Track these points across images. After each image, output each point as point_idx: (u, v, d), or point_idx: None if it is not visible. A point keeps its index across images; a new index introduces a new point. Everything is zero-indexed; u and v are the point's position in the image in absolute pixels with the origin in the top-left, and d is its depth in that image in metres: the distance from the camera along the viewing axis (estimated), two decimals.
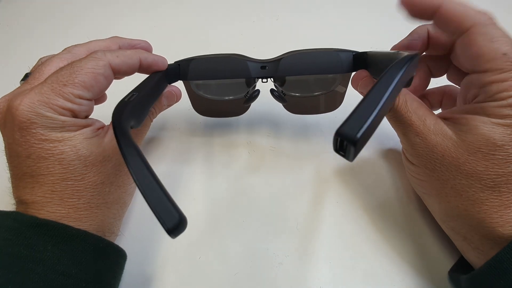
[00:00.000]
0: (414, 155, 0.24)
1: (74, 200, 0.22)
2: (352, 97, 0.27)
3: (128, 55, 0.26)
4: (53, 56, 0.26)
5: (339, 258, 0.27)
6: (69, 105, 0.23)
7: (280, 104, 0.33)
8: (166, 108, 0.32)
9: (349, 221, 0.29)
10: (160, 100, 0.30)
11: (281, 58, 0.29)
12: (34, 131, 0.22)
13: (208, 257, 0.28)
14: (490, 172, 0.21)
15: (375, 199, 0.30)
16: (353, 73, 0.29)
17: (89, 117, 0.26)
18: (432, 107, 0.31)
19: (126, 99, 0.23)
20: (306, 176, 0.32)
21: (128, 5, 0.53)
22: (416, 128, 0.23)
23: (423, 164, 0.24)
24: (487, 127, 0.21)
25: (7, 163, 0.24)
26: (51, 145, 0.22)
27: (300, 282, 0.26)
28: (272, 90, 0.32)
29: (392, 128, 0.26)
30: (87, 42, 0.28)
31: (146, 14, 0.52)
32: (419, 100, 0.25)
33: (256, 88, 0.32)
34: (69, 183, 0.22)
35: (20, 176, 0.23)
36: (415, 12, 0.24)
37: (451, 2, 0.22)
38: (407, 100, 0.24)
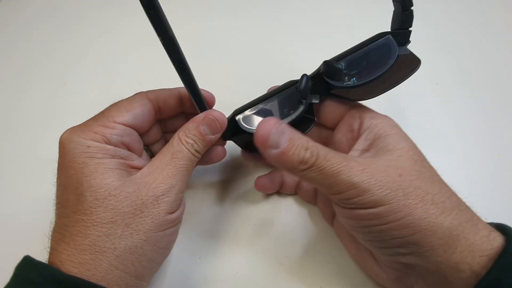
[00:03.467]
0: (377, 193, 0.20)
1: (80, 238, 0.20)
2: None
3: (167, 89, 0.26)
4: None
5: (339, 258, 0.27)
6: (101, 128, 0.23)
7: None
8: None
9: None
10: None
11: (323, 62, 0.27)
12: (66, 157, 0.22)
13: (208, 257, 0.28)
14: (435, 173, 0.22)
15: None
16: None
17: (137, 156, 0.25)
18: None
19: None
20: None
21: (128, 5, 0.53)
22: (357, 167, 0.21)
23: (393, 196, 0.20)
24: (402, 140, 0.23)
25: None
26: (72, 172, 0.21)
27: (300, 282, 0.26)
28: (325, 70, 0.27)
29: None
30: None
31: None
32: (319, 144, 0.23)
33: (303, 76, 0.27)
34: (79, 217, 0.20)
35: (55, 206, 0.22)
36: None
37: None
38: (319, 151, 0.21)
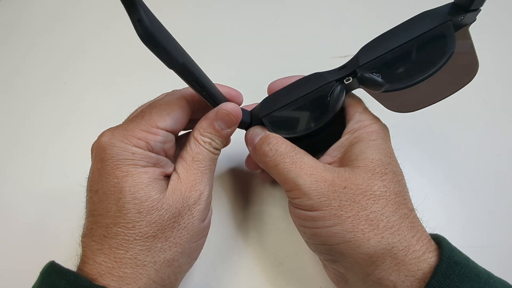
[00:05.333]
0: (313, 198, 0.21)
1: (122, 252, 0.20)
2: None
3: None
4: None
5: None
6: (144, 134, 0.21)
7: None
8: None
9: None
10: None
11: (358, 52, 0.23)
12: (107, 163, 0.21)
13: (208, 257, 0.28)
14: (391, 190, 0.21)
15: None
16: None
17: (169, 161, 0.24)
18: None
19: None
20: None
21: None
22: (307, 171, 0.22)
23: (327, 205, 0.21)
24: (371, 150, 0.23)
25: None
26: (115, 181, 0.20)
27: (300, 282, 0.26)
28: (360, 78, 0.23)
29: None
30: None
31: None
32: (287, 142, 0.24)
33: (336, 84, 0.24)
34: (119, 229, 0.20)
35: (88, 212, 0.21)
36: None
37: None
38: (279, 147, 0.24)
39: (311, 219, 0.22)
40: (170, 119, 0.23)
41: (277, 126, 0.25)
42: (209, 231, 0.29)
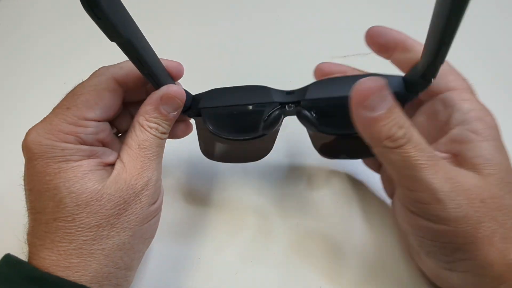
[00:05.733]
0: (449, 210, 0.18)
1: (65, 244, 0.19)
2: None
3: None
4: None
5: (340, 258, 0.27)
6: (72, 128, 0.21)
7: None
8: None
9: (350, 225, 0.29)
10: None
11: (311, 84, 0.24)
12: (35, 162, 0.20)
13: (208, 257, 0.28)
14: None
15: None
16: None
17: (107, 146, 0.23)
18: None
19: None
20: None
21: (129, 5, 0.53)
22: (444, 172, 0.19)
23: (464, 222, 0.18)
24: (498, 154, 0.19)
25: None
26: (47, 178, 0.20)
27: (300, 281, 0.26)
28: (299, 114, 0.25)
29: None
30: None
31: (147, 14, 0.51)
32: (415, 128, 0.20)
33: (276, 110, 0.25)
34: (60, 224, 0.20)
35: (28, 210, 0.21)
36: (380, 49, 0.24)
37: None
38: (413, 135, 0.19)
39: (435, 232, 0.19)
40: (99, 108, 0.21)
41: (212, 122, 0.25)
42: (209, 231, 0.29)
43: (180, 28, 0.49)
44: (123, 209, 0.21)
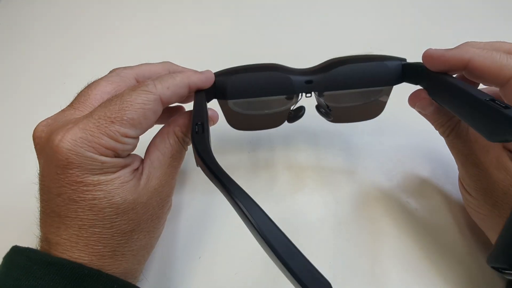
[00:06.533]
0: (473, 187, 0.23)
1: (99, 247, 0.21)
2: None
3: (178, 85, 0.24)
4: (100, 79, 0.24)
5: (339, 258, 0.27)
6: (113, 144, 0.20)
7: (317, 115, 0.31)
8: None
9: (355, 227, 0.29)
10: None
11: (327, 71, 0.27)
12: (71, 171, 0.20)
13: (208, 257, 0.28)
14: None
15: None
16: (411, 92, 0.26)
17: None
18: None
19: (198, 131, 0.21)
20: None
21: (129, 5, 0.53)
22: (476, 160, 0.22)
23: (482, 198, 0.22)
24: None
25: (38, 193, 0.22)
26: (84, 188, 0.20)
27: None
28: (317, 107, 0.30)
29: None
30: (137, 66, 0.26)
31: (147, 13, 0.52)
32: None
33: (300, 105, 0.30)
34: (96, 230, 0.20)
35: (48, 212, 0.21)
36: (441, 67, 0.23)
37: (480, 56, 0.21)
38: (469, 127, 0.23)
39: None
40: (141, 128, 0.22)
41: (238, 110, 0.29)
42: (209, 231, 0.29)
43: (179, 26, 0.49)
44: (151, 215, 0.23)
